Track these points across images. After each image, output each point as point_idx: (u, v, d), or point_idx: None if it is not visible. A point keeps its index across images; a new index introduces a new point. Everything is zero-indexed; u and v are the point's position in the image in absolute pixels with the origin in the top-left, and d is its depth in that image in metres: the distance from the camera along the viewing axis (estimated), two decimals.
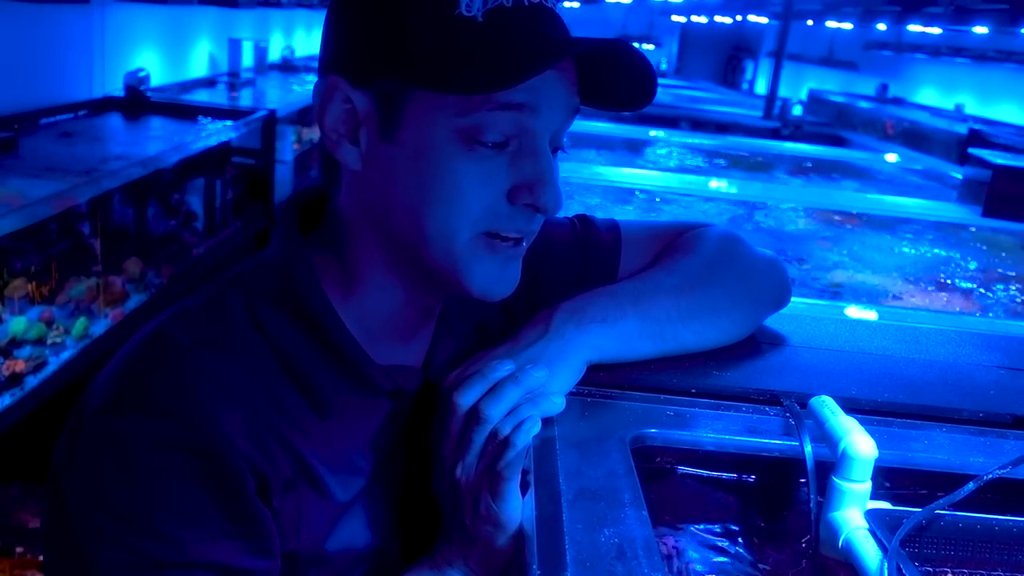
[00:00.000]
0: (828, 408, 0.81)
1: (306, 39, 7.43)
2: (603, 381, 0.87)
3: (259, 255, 0.83)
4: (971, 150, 2.34)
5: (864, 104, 7.47)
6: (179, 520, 0.68)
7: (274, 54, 6.42)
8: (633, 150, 3.41)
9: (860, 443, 0.75)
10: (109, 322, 2.84)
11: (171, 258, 3.48)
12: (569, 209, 1.03)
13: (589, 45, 0.71)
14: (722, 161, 3.36)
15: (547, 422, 0.78)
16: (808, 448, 0.80)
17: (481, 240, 0.75)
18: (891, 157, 3.75)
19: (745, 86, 12.00)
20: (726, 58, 13.13)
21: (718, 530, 0.80)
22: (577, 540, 0.62)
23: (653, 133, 3.67)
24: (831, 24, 7.50)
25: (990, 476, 0.79)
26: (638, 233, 1.04)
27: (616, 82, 0.77)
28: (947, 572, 0.75)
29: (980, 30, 4.70)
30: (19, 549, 2.27)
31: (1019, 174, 2.09)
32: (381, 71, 0.72)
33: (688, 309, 0.93)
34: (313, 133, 5.16)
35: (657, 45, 10.26)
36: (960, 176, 2.95)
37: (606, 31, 10.33)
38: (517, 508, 0.75)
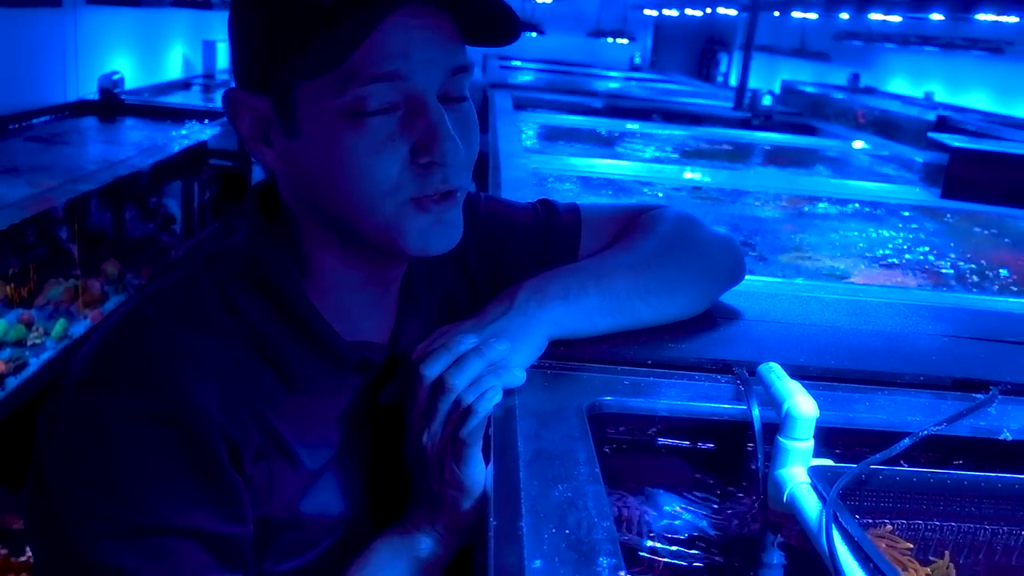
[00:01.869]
0: (775, 373, 0.86)
1: None
2: (563, 355, 0.91)
3: (228, 240, 0.87)
4: (930, 134, 2.40)
5: (836, 94, 7.56)
6: (154, 488, 0.72)
7: None
8: (607, 142, 3.45)
9: (802, 404, 0.80)
10: (88, 323, 2.86)
11: (149, 260, 3.50)
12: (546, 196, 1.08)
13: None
14: (693, 151, 3.42)
15: (508, 394, 0.82)
16: (755, 411, 0.84)
17: (408, 205, 0.77)
18: (857, 144, 3.81)
19: (720, 79, 12.08)
20: (700, 52, 13.21)
21: (672, 491, 0.85)
22: (532, 495, 0.66)
23: (626, 126, 3.72)
24: (797, 14, 7.58)
25: (925, 433, 0.84)
26: (597, 215, 1.08)
27: (482, 20, 0.78)
28: (886, 523, 0.80)
29: (937, 17, 4.77)
30: (3, 551, 2.29)
31: (975, 157, 2.15)
32: (264, 74, 0.76)
33: (646, 286, 0.97)
34: None
35: (631, 39, 10.31)
36: (921, 161, 3.02)
37: (579, 27, 10.37)
38: (480, 473, 0.80)
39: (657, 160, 2.98)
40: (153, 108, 4.20)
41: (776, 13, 7.79)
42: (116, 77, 4.11)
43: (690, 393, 0.88)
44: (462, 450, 0.79)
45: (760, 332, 1.06)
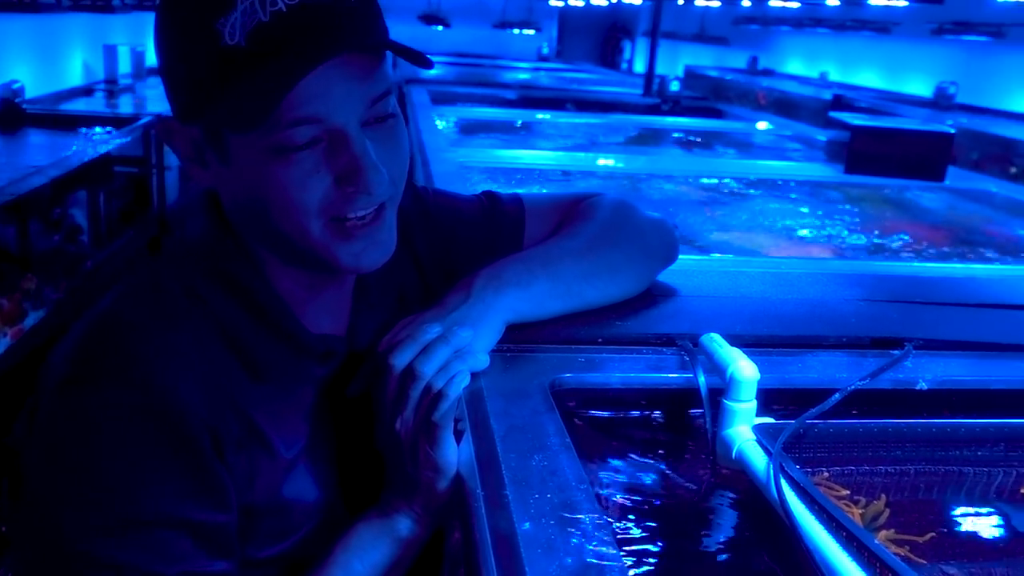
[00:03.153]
0: (716, 343, 0.93)
1: None
2: (520, 338, 0.97)
3: (180, 239, 0.89)
4: (832, 113, 2.54)
5: (737, 77, 7.81)
6: (142, 481, 0.75)
7: (152, 58, 6.27)
8: (525, 133, 3.52)
9: (744, 368, 0.87)
10: (9, 340, 2.80)
11: (66, 272, 3.42)
12: (473, 190, 1.13)
13: (328, 53, 0.74)
14: (608, 137, 3.51)
15: (474, 377, 0.87)
16: (701, 378, 0.92)
17: (332, 226, 0.81)
18: (762, 125, 3.96)
19: (624, 65, 12.31)
20: (604, 39, 13.41)
21: (630, 457, 0.91)
22: (512, 466, 0.72)
23: (540, 116, 3.78)
24: (700, 3, 7.79)
25: (852, 388, 0.93)
26: (540, 204, 1.14)
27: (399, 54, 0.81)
28: (823, 471, 0.88)
29: (833, 2, 4.98)
30: None
31: (874, 133, 2.29)
32: (193, 111, 0.79)
33: (591, 269, 1.03)
34: None
35: (538, 30, 10.42)
36: (823, 139, 3.18)
37: (485, 18, 10.42)
38: (453, 453, 0.85)
39: (578, 148, 3.06)
40: (56, 116, 4.08)
41: (680, 1, 8.00)
42: (16, 86, 3.98)
43: (641, 366, 0.95)
44: (435, 433, 0.83)
45: (696, 306, 1.13)
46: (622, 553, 0.64)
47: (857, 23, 6.83)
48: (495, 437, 0.77)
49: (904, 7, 5.50)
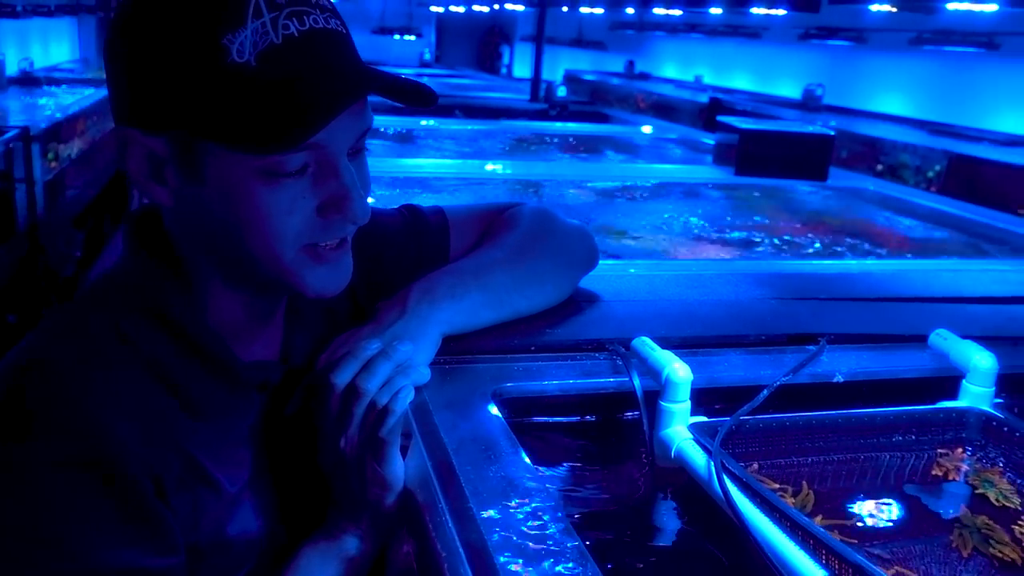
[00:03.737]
0: (648, 346, 0.96)
1: (44, 50, 6.92)
2: (456, 350, 0.97)
3: (106, 274, 0.86)
4: (720, 118, 2.64)
5: (615, 81, 8.00)
6: (84, 532, 0.72)
7: (11, 67, 5.94)
8: (412, 139, 3.51)
9: (679, 370, 0.90)
10: None
11: None
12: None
13: (368, 88, 0.76)
14: (499, 144, 3.54)
15: (417, 390, 0.87)
16: (637, 381, 0.95)
17: (304, 252, 0.81)
18: (647, 129, 4.08)
19: (504, 70, 12.42)
20: (483, 44, 13.50)
21: (576, 461, 0.93)
22: (471, 479, 0.73)
23: (424, 123, 3.78)
24: (584, 10, 7.94)
25: (777, 384, 0.98)
26: (462, 216, 1.15)
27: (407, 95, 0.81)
28: (754, 464, 0.92)
29: (716, 11, 5.17)
30: None
31: (761, 136, 2.40)
32: (168, 123, 0.75)
33: (520, 279, 1.05)
34: (70, 149, 4.85)
35: (418, 36, 10.39)
36: (709, 141, 3.30)
37: (364, 24, 10.32)
38: (400, 468, 0.85)
39: (470, 155, 3.07)
40: None
41: (564, 8, 8.13)
42: None
43: (577, 372, 0.97)
44: (382, 449, 0.83)
45: (619, 311, 1.16)
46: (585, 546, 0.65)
47: (729, 28, 7.11)
48: (448, 449, 0.77)
49: (773, 13, 5.76)
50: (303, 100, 0.72)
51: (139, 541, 0.74)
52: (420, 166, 2.55)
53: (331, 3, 0.79)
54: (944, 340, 1.04)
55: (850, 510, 0.90)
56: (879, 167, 4.34)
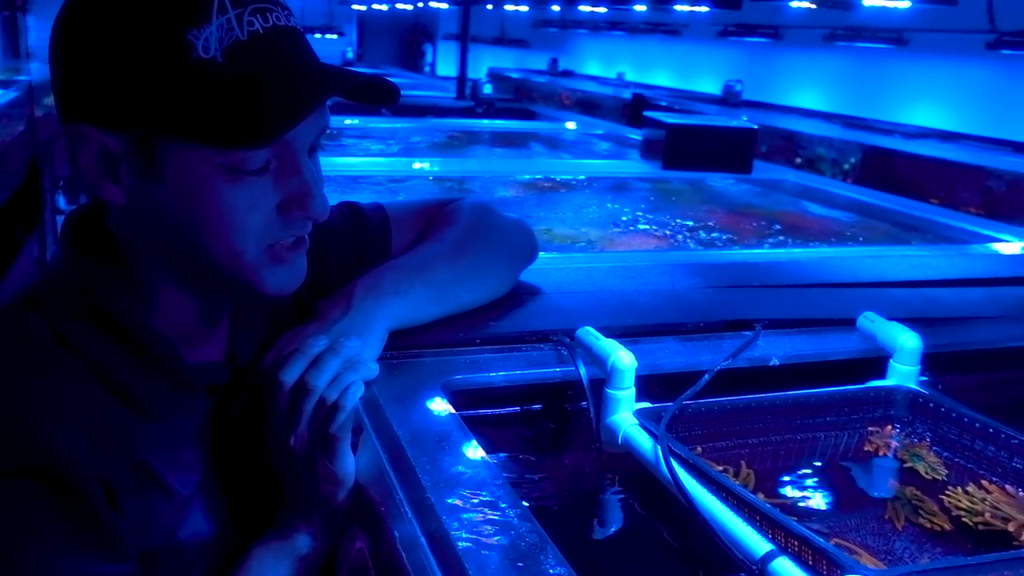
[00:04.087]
0: (592, 336, 0.98)
1: None
2: (401, 345, 0.98)
3: (41, 278, 0.84)
4: (646, 113, 2.69)
5: (539, 78, 8.05)
6: (33, 543, 0.70)
7: None
8: (339, 138, 3.48)
9: (623, 358, 0.92)
10: None
11: None
12: None
13: (341, 86, 0.76)
14: (426, 141, 3.54)
15: (366, 385, 0.87)
16: (583, 370, 0.96)
17: (265, 252, 0.80)
18: (571, 125, 4.12)
19: (427, 69, 12.38)
20: (405, 43, 13.43)
21: (526, 450, 0.95)
22: (427, 470, 0.73)
23: (348, 121, 3.75)
24: (509, 7, 7.96)
25: (718, 369, 1.00)
26: (402, 212, 1.15)
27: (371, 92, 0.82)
28: (697, 447, 0.95)
29: (640, 8, 5.23)
30: None
31: (687, 131, 2.46)
32: (127, 119, 0.73)
33: (463, 273, 1.06)
34: None
35: (340, 34, 10.28)
36: (635, 136, 3.35)
37: None
38: (352, 464, 0.85)
39: (398, 153, 3.07)
40: None
41: (489, 7, 8.14)
42: None
43: (523, 363, 0.99)
44: (333, 445, 0.83)
45: (560, 303, 1.18)
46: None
47: (650, 26, 7.22)
48: (402, 442, 0.78)
49: (690, 10, 5.87)
50: (275, 97, 0.72)
51: (90, 549, 0.73)
52: (351, 164, 2.53)
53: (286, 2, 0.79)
54: (871, 323, 1.09)
55: (788, 488, 0.94)
56: (797, 160, 4.47)
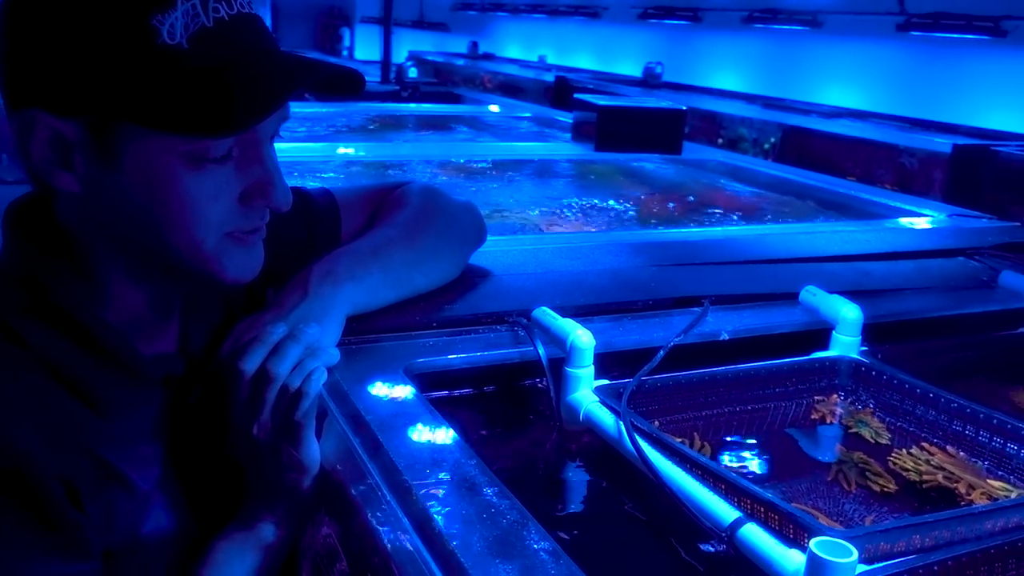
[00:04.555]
0: (550, 316, 0.99)
1: None
2: (359, 330, 0.97)
3: None
4: (577, 95, 2.71)
5: (460, 62, 8.03)
6: None
7: None
8: None
9: (582, 336, 0.94)
10: None
11: None
12: None
13: (312, 77, 0.76)
14: (354, 126, 3.49)
15: (328, 371, 0.87)
16: (541, 350, 0.98)
17: (225, 240, 0.79)
18: (494, 108, 4.12)
19: (345, 53, 12.20)
20: (321, 26, 13.21)
21: (492, 429, 0.95)
22: (401, 453, 0.73)
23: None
24: None
25: (672, 344, 1.03)
26: (350, 197, 1.14)
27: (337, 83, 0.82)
28: (655, 421, 0.97)
29: None
30: None
31: (618, 113, 2.49)
32: (86, 105, 0.71)
33: (418, 257, 1.06)
34: None
35: None
36: (563, 119, 3.37)
37: None
38: (316, 451, 0.84)
39: (329, 137, 3.02)
40: None
41: None
42: None
43: (482, 344, 0.99)
44: (298, 433, 0.82)
45: (512, 284, 1.19)
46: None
47: (570, 8, 7.25)
48: (373, 428, 0.78)
49: None
50: (246, 87, 0.71)
51: (54, 551, 0.71)
52: (279, 150, 2.48)
53: None
54: (813, 296, 1.13)
55: (741, 457, 0.97)
56: (719, 140, 4.57)
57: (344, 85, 0.80)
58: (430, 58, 8.25)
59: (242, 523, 0.87)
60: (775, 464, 0.98)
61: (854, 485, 0.93)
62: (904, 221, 1.80)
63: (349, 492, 0.75)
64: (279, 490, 0.86)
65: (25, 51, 0.72)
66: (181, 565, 0.85)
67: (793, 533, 0.71)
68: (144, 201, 0.74)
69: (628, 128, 2.46)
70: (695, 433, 0.98)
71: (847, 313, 1.07)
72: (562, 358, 0.95)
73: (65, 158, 0.74)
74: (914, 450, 0.96)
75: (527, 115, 3.72)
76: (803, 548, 0.68)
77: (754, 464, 0.97)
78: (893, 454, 0.96)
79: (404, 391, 0.86)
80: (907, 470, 0.94)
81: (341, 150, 2.58)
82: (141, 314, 0.84)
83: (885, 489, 0.92)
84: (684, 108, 2.57)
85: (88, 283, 0.80)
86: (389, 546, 0.65)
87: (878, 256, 1.44)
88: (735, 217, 1.92)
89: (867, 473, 0.95)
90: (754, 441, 1.01)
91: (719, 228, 1.76)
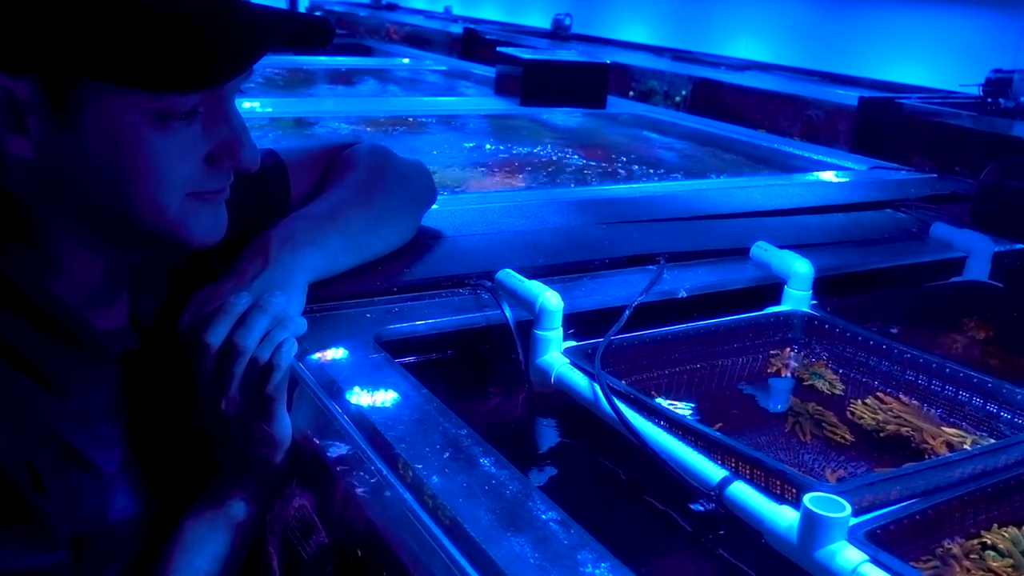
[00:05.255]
0: (515, 278, 0.98)
1: None
2: (322, 297, 0.94)
3: None
4: (500, 49, 2.67)
5: (363, 12, 7.81)
6: None
7: None
8: None
9: (551, 298, 0.93)
10: None
11: None
12: None
13: (288, 28, 0.73)
14: (259, 80, 3.37)
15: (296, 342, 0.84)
16: (508, 313, 0.97)
17: (188, 201, 0.76)
18: (407, 60, 4.04)
19: None
20: None
21: (456, 395, 0.94)
22: (384, 421, 0.72)
23: None
24: None
25: (635, 303, 1.03)
26: (298, 157, 1.10)
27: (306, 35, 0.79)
28: (622, 380, 0.97)
29: None
30: None
31: (544, 67, 2.47)
32: (44, 61, 0.67)
33: (374, 220, 1.03)
34: None
35: None
36: (480, 72, 3.33)
37: None
38: (288, 424, 0.82)
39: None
40: None
41: None
42: None
43: (447, 309, 0.98)
44: (269, 406, 0.80)
45: (465, 245, 1.17)
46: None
47: None
48: (353, 400, 0.75)
49: None
50: (220, 39, 0.67)
51: (20, 539, 0.67)
52: None
53: None
54: (764, 251, 1.14)
55: (702, 412, 0.98)
56: (631, 93, 4.58)
57: (316, 37, 0.77)
58: (332, 7, 8.00)
59: (211, 501, 0.84)
60: (734, 419, 1.00)
61: (809, 435, 0.95)
62: (830, 175, 1.85)
63: (327, 460, 0.73)
64: (249, 465, 0.83)
65: None
66: (150, 549, 0.82)
67: (781, 489, 0.72)
68: (105, 163, 0.70)
69: (553, 82, 2.45)
70: (655, 392, 0.99)
71: (799, 268, 1.10)
72: (527, 320, 0.94)
73: (17, 120, 0.69)
74: (869, 400, 1.00)
75: (442, 68, 3.66)
76: (791, 503, 0.70)
77: (714, 420, 0.99)
78: (852, 404, 0.99)
79: (378, 360, 0.84)
80: (862, 419, 0.97)
81: (249, 104, 2.48)
82: (94, 286, 0.79)
83: (842, 439, 0.95)
84: (608, 62, 2.56)
85: (37, 254, 0.75)
86: (381, 512, 0.63)
87: (813, 210, 1.48)
88: (669, 172, 1.93)
89: (823, 424, 0.97)
90: (714, 397, 1.02)
91: (660, 184, 1.77)
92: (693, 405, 0.99)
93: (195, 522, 0.83)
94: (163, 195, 0.73)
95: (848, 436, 0.95)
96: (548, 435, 0.93)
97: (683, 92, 4.35)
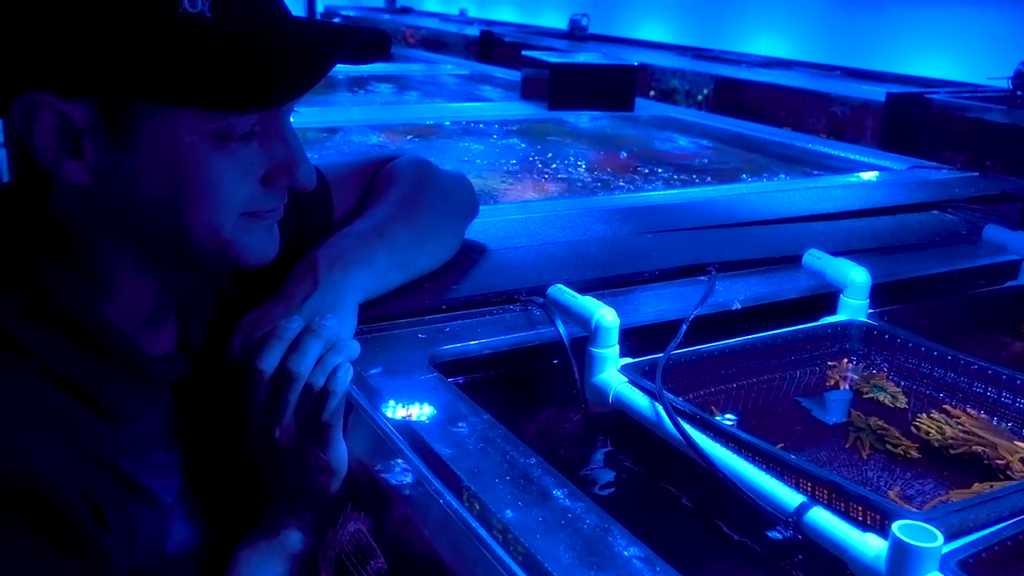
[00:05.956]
0: (567, 294, 0.96)
1: None
2: (368, 317, 0.92)
3: None
4: (525, 52, 2.64)
5: (379, 16, 7.82)
6: (20, 573, 0.62)
7: None
8: None
9: (607, 315, 0.91)
10: None
11: None
12: None
13: (348, 46, 0.71)
14: None
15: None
16: (562, 330, 0.94)
17: (243, 220, 0.74)
18: (427, 65, 4.02)
19: None
20: None
21: (508, 416, 0.92)
22: (440, 440, 0.70)
23: None
24: None
25: (692, 316, 1.00)
26: (341, 174, 1.08)
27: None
28: (681, 398, 0.95)
29: None
30: None
31: (571, 70, 2.44)
32: (101, 83, 0.65)
33: (419, 235, 1.01)
34: None
35: None
36: (503, 76, 3.31)
37: None
38: (344, 452, 0.80)
39: None
40: None
41: None
42: None
43: (500, 327, 0.95)
44: (326, 434, 0.78)
45: (512, 259, 1.15)
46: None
47: None
48: (410, 423, 0.73)
49: None
50: (282, 57, 0.66)
51: (76, 573, 0.65)
52: None
53: None
54: (818, 260, 1.11)
55: (763, 429, 0.96)
56: (651, 93, 4.55)
57: (375, 51, 0.76)
58: (346, 12, 8.01)
59: (266, 531, 0.82)
60: (794, 434, 0.97)
61: (869, 451, 0.92)
62: (871, 176, 1.81)
63: (386, 487, 0.71)
64: (305, 495, 0.81)
65: (23, 26, 0.65)
66: None
67: (862, 515, 0.69)
68: (161, 186, 0.69)
69: (581, 85, 2.42)
70: (714, 408, 0.96)
71: (856, 276, 1.06)
72: (585, 337, 0.92)
73: (72, 146, 0.67)
74: (935, 414, 0.96)
75: (464, 72, 3.64)
76: (875, 531, 0.67)
77: (773, 435, 0.96)
78: (914, 418, 0.96)
79: (434, 382, 0.82)
80: (929, 434, 0.94)
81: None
82: (145, 308, 0.77)
83: (907, 455, 0.92)
84: (636, 64, 2.53)
85: (88, 279, 0.73)
86: (447, 543, 0.61)
87: (859, 213, 1.44)
88: (709, 177, 1.90)
89: (886, 439, 0.94)
90: (773, 413, 0.99)
91: (700, 189, 1.74)
92: (753, 422, 0.96)
93: (250, 553, 0.81)
94: (219, 216, 0.71)
95: (914, 452, 0.92)
96: (609, 458, 0.90)
97: (705, 91, 4.31)
